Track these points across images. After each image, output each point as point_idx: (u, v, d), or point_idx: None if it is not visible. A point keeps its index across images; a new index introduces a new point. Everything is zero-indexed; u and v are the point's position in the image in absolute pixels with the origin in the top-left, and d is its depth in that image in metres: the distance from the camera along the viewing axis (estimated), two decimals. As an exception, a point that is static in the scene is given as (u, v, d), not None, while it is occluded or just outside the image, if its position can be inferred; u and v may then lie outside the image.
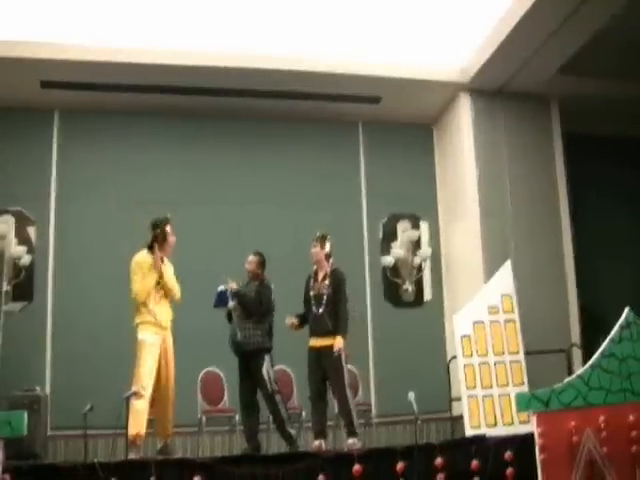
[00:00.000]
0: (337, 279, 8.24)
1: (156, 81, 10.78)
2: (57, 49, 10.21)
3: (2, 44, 10.08)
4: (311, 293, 8.31)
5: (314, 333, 8.18)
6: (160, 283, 7.91)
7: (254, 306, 8.36)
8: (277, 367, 8.84)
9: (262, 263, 8.67)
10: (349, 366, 8.55)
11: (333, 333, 8.00)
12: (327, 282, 8.22)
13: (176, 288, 8.11)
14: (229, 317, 8.51)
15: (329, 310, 8.10)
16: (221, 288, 8.48)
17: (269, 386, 8.21)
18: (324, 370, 8.05)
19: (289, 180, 11.73)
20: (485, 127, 11.52)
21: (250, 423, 8.33)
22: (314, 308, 8.20)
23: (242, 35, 10.45)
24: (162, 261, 8.06)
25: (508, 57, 10.49)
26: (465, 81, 11.31)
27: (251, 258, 8.69)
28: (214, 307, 8.55)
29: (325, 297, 8.15)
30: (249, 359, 8.30)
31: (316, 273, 8.39)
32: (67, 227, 11.05)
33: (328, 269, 8.32)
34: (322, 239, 8.38)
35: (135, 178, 11.32)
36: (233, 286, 8.43)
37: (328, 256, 8.37)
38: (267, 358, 8.28)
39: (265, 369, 8.22)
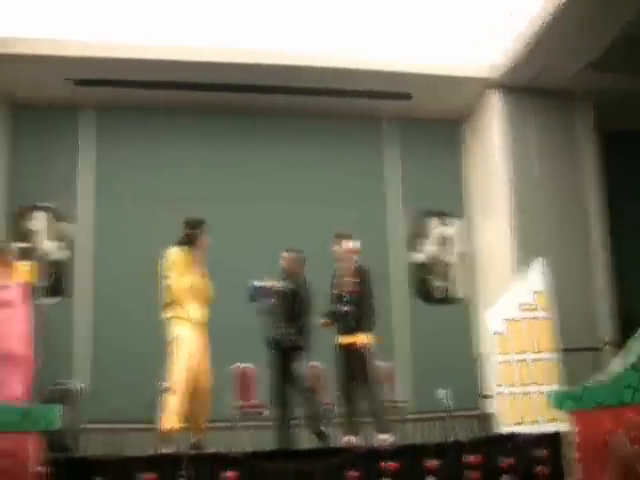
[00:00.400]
0: (362, 276, 8.22)
1: (185, 78, 10.87)
2: (89, 47, 10.31)
3: (35, 42, 10.21)
4: (336, 291, 8.29)
5: (341, 331, 8.17)
6: (194, 283, 7.86)
7: (297, 305, 8.33)
8: (309, 363, 8.83)
9: (298, 260, 8.63)
10: (379, 362, 8.55)
11: (359, 330, 8.01)
12: (352, 279, 8.21)
13: (210, 290, 8.05)
14: (265, 314, 8.48)
15: (355, 307, 8.09)
16: (256, 283, 8.44)
17: (304, 383, 8.21)
18: (352, 367, 8.05)
19: (317, 177, 11.75)
20: (515, 123, 11.46)
21: (282, 419, 8.34)
22: (339, 306, 8.17)
23: (270, 31, 10.48)
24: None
25: (538, 53, 10.43)
26: (495, 77, 11.27)
27: (286, 255, 8.64)
28: (250, 301, 8.51)
29: (350, 294, 8.14)
30: (285, 356, 8.30)
31: (340, 271, 8.38)
32: (100, 223, 11.15)
33: (352, 266, 8.31)
34: (343, 237, 8.36)
35: (166, 175, 11.41)
36: (276, 285, 8.39)
37: (351, 253, 8.35)
38: (303, 355, 8.28)
39: (300, 366, 8.22)
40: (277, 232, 11.01)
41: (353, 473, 6.43)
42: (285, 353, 8.29)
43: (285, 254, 8.62)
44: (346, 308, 8.09)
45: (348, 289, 8.16)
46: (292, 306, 8.32)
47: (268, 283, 8.41)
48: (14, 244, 9.06)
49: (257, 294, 8.41)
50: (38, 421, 5.76)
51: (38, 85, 10.87)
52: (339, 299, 8.19)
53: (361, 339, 7.92)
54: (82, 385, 9.99)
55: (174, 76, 10.85)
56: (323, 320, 8.28)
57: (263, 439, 9.61)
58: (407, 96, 11.56)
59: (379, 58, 10.85)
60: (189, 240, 7.92)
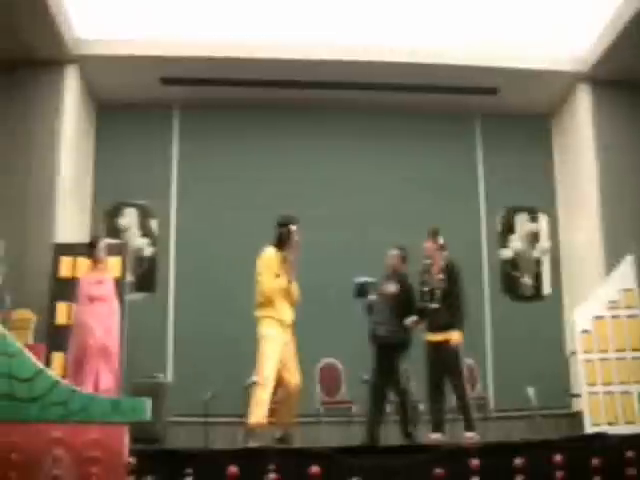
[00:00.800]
0: (452, 272, 8.16)
1: (275, 76, 10.94)
2: (176, 46, 10.50)
3: (123, 43, 10.45)
4: (426, 288, 8.23)
5: (431, 328, 8.12)
6: (285, 284, 7.92)
7: (402, 302, 8.34)
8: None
9: (403, 258, 8.62)
10: (467, 360, 8.49)
11: (450, 327, 7.96)
12: (442, 276, 8.15)
13: (298, 292, 8.11)
14: (369, 310, 8.50)
15: (445, 304, 8.04)
16: (361, 280, 8.47)
17: (402, 382, 8.19)
18: (442, 364, 8.01)
19: (406, 173, 11.71)
20: (605, 118, 11.23)
21: (375, 416, 8.34)
22: (430, 303, 8.13)
23: (359, 28, 10.49)
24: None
25: (628, 45, 10.18)
26: (584, 70, 11.07)
27: (393, 253, 8.59)
28: (354, 297, 8.55)
29: (440, 291, 8.09)
30: (387, 353, 8.30)
31: (430, 267, 8.32)
32: (187, 220, 11.33)
33: (442, 262, 8.26)
34: (434, 233, 8.32)
35: (253, 172, 11.51)
36: (391, 289, 8.40)
37: (441, 249, 8.30)
38: (404, 354, 8.28)
39: (401, 364, 8.21)
40: (365, 229, 11.09)
41: (439, 470, 6.38)
42: (389, 349, 8.30)
43: (392, 252, 8.61)
44: (437, 305, 8.06)
45: (438, 286, 8.13)
46: (397, 304, 8.33)
47: (371, 280, 8.46)
48: (105, 240, 9.27)
49: (362, 291, 8.46)
50: (128, 413, 5.87)
51: (125, 85, 11.13)
52: (430, 295, 8.17)
53: (452, 336, 7.88)
54: (170, 378, 10.21)
55: (268, 74, 10.94)
56: (413, 319, 8.24)
57: (349, 434, 9.68)
58: (494, 91, 11.44)
59: (466, 53, 10.78)
60: (280, 239, 7.92)
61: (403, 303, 8.31)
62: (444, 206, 11.19)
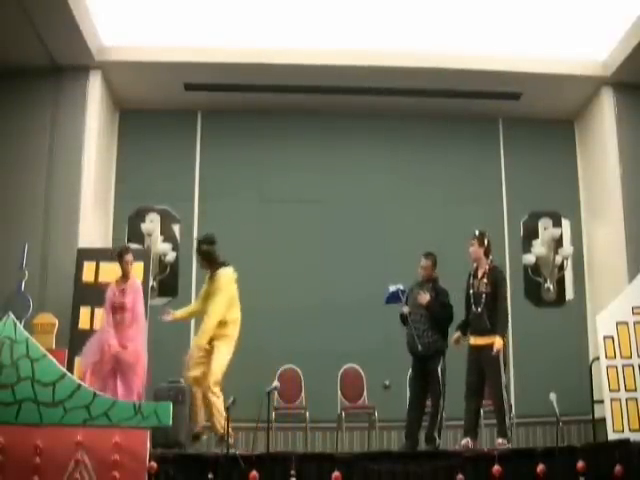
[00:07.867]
0: (496, 277, 8.20)
1: (296, 81, 10.95)
2: (199, 52, 10.53)
3: (147, 49, 10.56)
4: (470, 291, 8.28)
5: (473, 332, 8.16)
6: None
7: (442, 312, 8.38)
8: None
9: (434, 264, 8.63)
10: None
11: (492, 332, 7.95)
12: (486, 280, 8.18)
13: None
14: (404, 320, 8.51)
15: (488, 309, 8.05)
16: (393, 288, 8.56)
17: (439, 387, 8.18)
18: (481, 368, 8.01)
19: (429, 178, 11.70)
20: (629, 122, 11.14)
21: (412, 421, 8.34)
22: (473, 307, 8.18)
23: (381, 33, 10.48)
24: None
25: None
26: (608, 75, 11.00)
27: (425, 259, 8.62)
28: (385, 304, 8.62)
29: (484, 295, 8.11)
30: (425, 360, 8.30)
31: (476, 271, 8.35)
32: (210, 225, 11.29)
33: (487, 267, 8.27)
34: (480, 237, 8.36)
35: (276, 177, 11.54)
36: (425, 298, 8.37)
37: (487, 254, 8.33)
38: (441, 360, 8.27)
39: (439, 370, 8.20)
40: (387, 235, 11.09)
41: (460, 476, 6.38)
42: (427, 357, 8.30)
43: (424, 258, 8.63)
44: (480, 309, 8.08)
45: (483, 290, 8.15)
46: (432, 312, 8.35)
47: (402, 287, 8.55)
48: (130, 246, 9.33)
49: (394, 298, 8.52)
50: (150, 417, 5.93)
51: (148, 91, 11.21)
52: (474, 299, 8.20)
53: (496, 342, 7.87)
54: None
55: (288, 80, 10.95)
56: (456, 336, 8.32)
57: (370, 440, 9.66)
58: (517, 96, 11.40)
59: (489, 57, 10.74)
60: None
61: (437, 309, 8.35)
62: (467, 211, 11.14)
